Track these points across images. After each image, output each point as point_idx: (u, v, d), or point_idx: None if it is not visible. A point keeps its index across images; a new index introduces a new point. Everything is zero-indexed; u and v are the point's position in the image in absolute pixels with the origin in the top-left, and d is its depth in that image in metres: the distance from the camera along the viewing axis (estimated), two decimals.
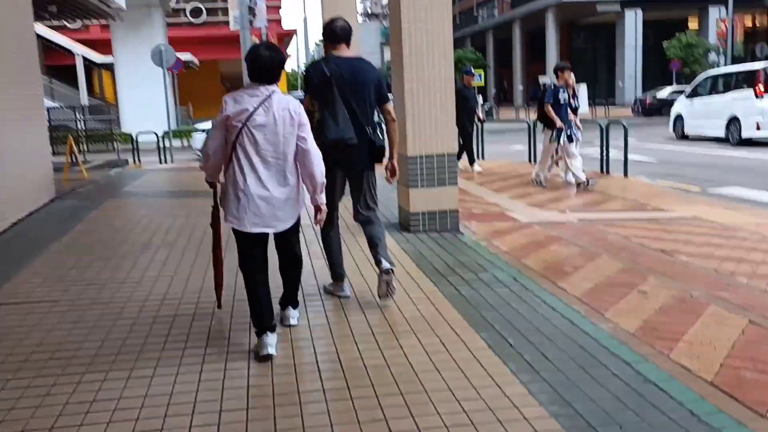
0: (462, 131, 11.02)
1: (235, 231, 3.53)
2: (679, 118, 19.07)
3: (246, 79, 4.17)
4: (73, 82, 32.98)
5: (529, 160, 12.98)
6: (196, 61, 34.64)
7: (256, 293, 3.57)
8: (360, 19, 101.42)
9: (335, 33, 4.33)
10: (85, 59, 33.21)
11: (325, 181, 3.61)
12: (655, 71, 43.10)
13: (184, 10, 41.21)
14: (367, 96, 4.28)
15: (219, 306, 4.22)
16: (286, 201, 3.51)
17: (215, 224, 3.96)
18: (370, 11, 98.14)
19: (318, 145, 3.61)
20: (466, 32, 59.44)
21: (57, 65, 36.69)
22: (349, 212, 4.61)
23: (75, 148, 11.80)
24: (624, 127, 10.74)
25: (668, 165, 12.85)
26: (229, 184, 3.49)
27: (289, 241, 3.74)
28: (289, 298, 3.97)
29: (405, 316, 4.07)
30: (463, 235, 6.23)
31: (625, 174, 10.49)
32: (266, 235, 3.57)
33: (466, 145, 11.67)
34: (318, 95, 4.17)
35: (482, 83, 40.29)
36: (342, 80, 4.16)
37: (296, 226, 3.69)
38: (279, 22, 39.24)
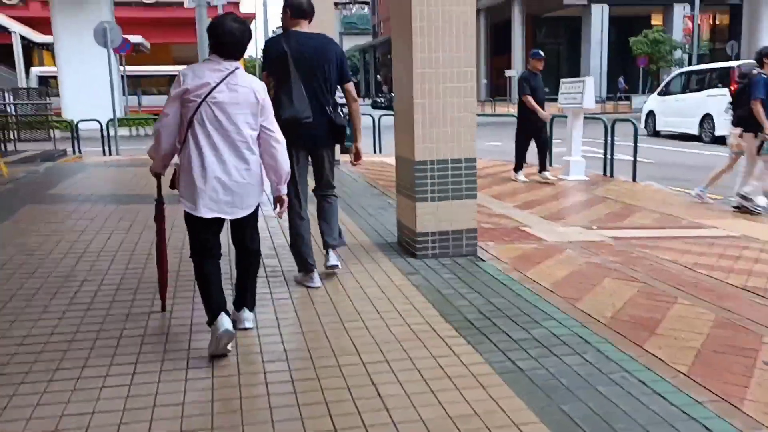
0: (533, 131, 9.28)
1: (187, 216, 3.29)
2: (650, 115, 18.89)
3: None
4: (10, 63, 30.44)
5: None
6: (147, 44, 32.38)
7: (207, 279, 3.33)
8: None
9: (301, 7, 4.20)
10: (22, 38, 30.64)
11: (289, 171, 3.43)
12: (619, 67, 42.67)
13: None
14: (327, 73, 4.17)
15: (163, 308, 3.88)
16: (245, 186, 3.27)
17: (159, 218, 3.70)
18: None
19: None
20: None
21: None
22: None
23: None
24: (634, 125, 9.56)
25: (668, 167, 11.78)
26: (184, 166, 3.22)
27: (246, 230, 3.47)
28: (245, 298, 3.61)
29: (448, 410, 2.69)
30: (484, 262, 4.88)
31: (634, 178, 9.34)
32: (221, 221, 3.35)
33: (540, 149, 9.40)
34: (274, 71, 4.07)
35: None
36: (301, 56, 4.07)
37: (255, 214, 3.44)
38: (237, 4, 37.16)
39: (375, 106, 47.63)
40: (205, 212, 3.22)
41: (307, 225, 4.36)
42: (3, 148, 15.04)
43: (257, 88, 3.27)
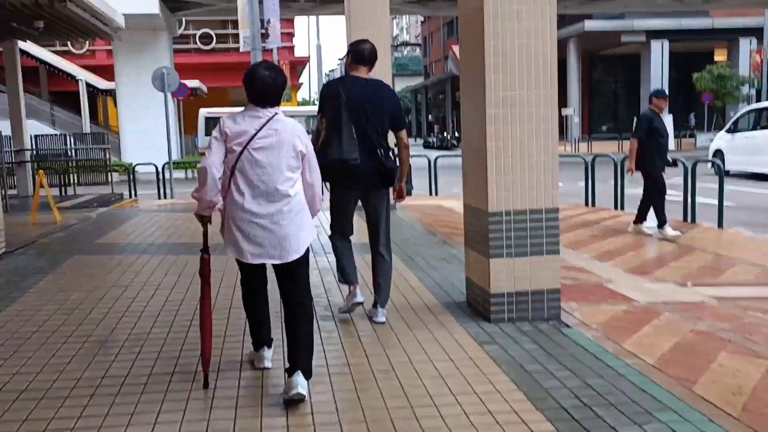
0: (653, 179, 7.96)
1: (237, 261, 3.37)
2: (718, 153, 17.82)
3: None
4: (76, 109, 31.46)
5: (587, 203, 11.03)
6: (204, 87, 33.08)
7: (255, 310, 3.53)
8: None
9: (361, 54, 4.34)
10: (88, 85, 31.68)
11: (320, 209, 3.51)
12: (682, 104, 41.30)
13: (194, 36, 39.83)
14: (381, 119, 4.25)
15: (206, 385, 3.42)
16: (288, 228, 3.24)
17: (204, 272, 3.42)
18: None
19: (320, 164, 3.49)
20: None
21: (60, 91, 35.33)
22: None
23: (46, 185, 9.81)
24: (719, 166, 8.79)
25: (751, 211, 10.85)
26: (229, 213, 3.26)
27: (294, 278, 3.33)
28: (297, 360, 3.25)
29: None
30: (570, 329, 4.24)
31: (720, 224, 8.51)
32: (265, 266, 3.41)
33: (657, 200, 7.95)
34: (327, 113, 4.14)
35: None
36: (355, 101, 4.14)
37: (303, 262, 3.34)
38: (291, 49, 37.78)
39: (426, 146, 47.42)
40: (252, 258, 3.24)
41: (350, 250, 4.58)
42: (63, 192, 15.18)
43: (298, 131, 3.30)
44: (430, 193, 13.98)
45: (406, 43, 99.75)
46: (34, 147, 16.23)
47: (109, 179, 16.16)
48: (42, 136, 15.78)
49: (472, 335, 4.14)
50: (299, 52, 56.89)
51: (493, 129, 4.30)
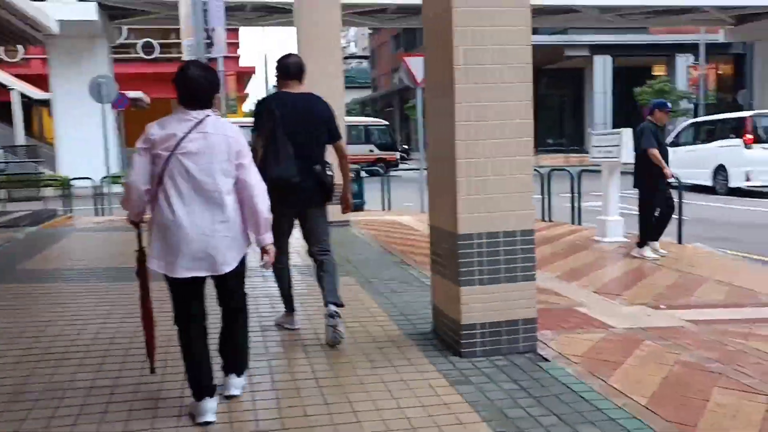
0: (652, 196, 7.40)
1: (165, 278, 3.08)
2: None
3: None
4: (9, 121, 29.90)
5: (543, 218, 10.81)
6: (147, 99, 31.98)
7: (191, 350, 3.15)
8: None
9: (288, 68, 4.33)
10: (22, 95, 30.21)
11: (271, 217, 3.21)
12: (624, 118, 42.19)
13: (135, 45, 38.62)
14: (315, 133, 4.24)
15: (153, 370, 3.51)
16: (223, 239, 3.06)
17: (142, 272, 3.26)
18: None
19: None
20: None
21: None
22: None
23: None
24: (678, 181, 8.65)
25: (703, 224, 10.84)
26: (156, 222, 3.04)
27: (230, 288, 3.29)
28: (232, 362, 3.40)
29: None
30: (549, 363, 3.86)
31: (679, 240, 8.36)
32: (202, 280, 3.13)
33: (652, 219, 7.44)
34: (262, 131, 4.10)
35: None
36: (290, 117, 4.11)
37: (239, 270, 3.21)
38: (237, 59, 36.98)
39: None
40: (182, 272, 3.03)
41: (288, 273, 4.62)
42: None
43: (230, 131, 3.13)
44: (383, 208, 13.60)
45: (353, 56, 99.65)
46: None
47: (42, 195, 15.17)
48: None
49: (443, 373, 3.72)
50: (245, 62, 55.93)
51: (463, 144, 3.90)
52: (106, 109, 16.27)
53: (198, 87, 3.06)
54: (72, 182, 15.16)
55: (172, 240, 2.99)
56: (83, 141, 21.44)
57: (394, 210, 13.48)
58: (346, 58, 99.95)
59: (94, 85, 15.02)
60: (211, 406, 3.12)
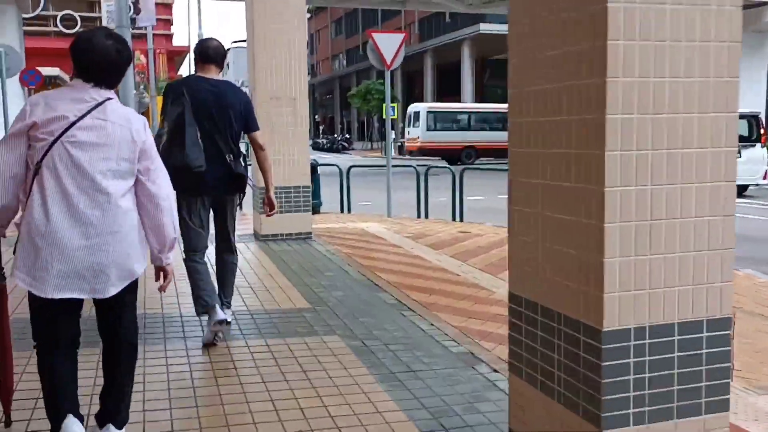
0: None
1: (29, 294, 2.48)
2: None
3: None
4: None
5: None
6: (65, 76, 28.81)
7: (53, 377, 2.52)
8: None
9: (207, 52, 4.20)
10: None
11: (177, 236, 2.66)
12: None
13: (54, 17, 35.05)
14: (229, 121, 4.11)
15: (8, 423, 2.84)
16: (113, 253, 2.47)
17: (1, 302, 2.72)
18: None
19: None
20: (368, 64, 56.33)
21: None
22: None
23: None
24: None
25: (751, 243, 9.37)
26: (25, 225, 2.43)
27: (116, 313, 2.62)
28: (113, 410, 2.64)
29: None
30: None
31: None
32: (79, 303, 2.54)
33: None
34: (169, 115, 3.96)
35: (395, 116, 37.32)
36: (202, 103, 4.01)
37: (129, 293, 2.62)
38: (170, 37, 34.02)
39: (316, 147, 44.97)
40: (53, 291, 2.41)
41: (206, 270, 4.21)
42: None
43: (136, 125, 2.54)
44: (342, 210, 11.65)
45: None
46: None
47: None
48: None
49: None
50: (178, 41, 52.41)
51: (618, 153, 2.02)
52: (10, 85, 13.68)
53: (105, 59, 2.49)
54: None
55: (44, 250, 2.40)
56: None
57: (355, 213, 11.56)
58: None
59: None
60: (77, 426, 2.51)
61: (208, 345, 4.04)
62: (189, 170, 3.82)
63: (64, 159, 2.41)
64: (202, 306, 4.07)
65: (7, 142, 2.43)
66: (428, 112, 31.67)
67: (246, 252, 7.16)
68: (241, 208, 4.78)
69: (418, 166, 12.05)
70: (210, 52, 4.19)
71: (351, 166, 12.07)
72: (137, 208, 2.57)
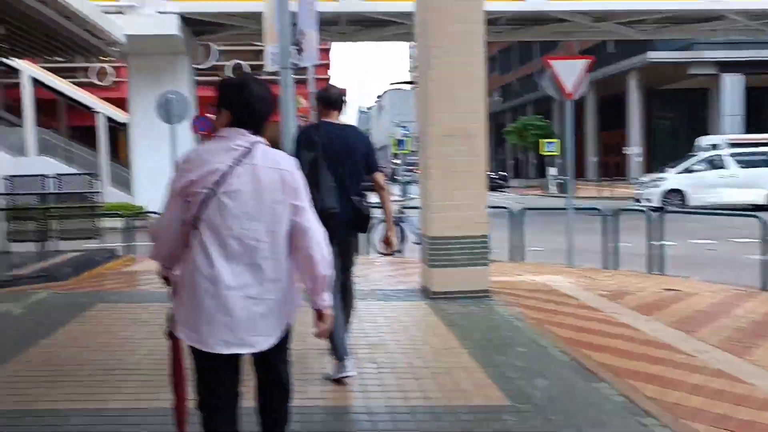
0: None
1: (192, 350, 2.47)
2: None
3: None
4: (96, 146, 28.72)
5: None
6: None
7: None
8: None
9: (330, 99, 4.37)
10: (108, 119, 29.03)
11: (330, 273, 2.60)
12: None
13: (224, 67, 37.23)
14: (355, 164, 4.27)
15: None
16: (274, 303, 2.48)
17: (174, 335, 2.60)
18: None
19: None
20: (527, 99, 54.69)
21: (79, 126, 32.86)
22: None
23: None
24: None
25: None
26: (187, 280, 2.44)
27: (273, 363, 2.63)
28: None
29: None
30: None
31: None
32: (240, 359, 2.54)
33: None
34: (303, 160, 3.87)
35: (557, 152, 35.28)
36: (330, 147, 4.16)
37: (285, 341, 2.61)
38: (326, 81, 34.80)
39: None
40: (219, 346, 2.41)
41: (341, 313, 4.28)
42: (42, 247, 11.87)
43: (286, 166, 2.54)
44: (511, 258, 10.36)
45: None
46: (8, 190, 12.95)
47: (97, 228, 12.75)
48: (17, 177, 12.62)
49: None
50: (337, 84, 54.14)
51: None
52: (180, 131, 13.97)
53: (257, 105, 2.52)
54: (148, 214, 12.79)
55: (205, 302, 2.39)
56: (159, 168, 19.37)
57: (529, 262, 10.22)
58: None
59: (161, 102, 12.71)
60: None
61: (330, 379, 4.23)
62: (324, 213, 3.75)
63: (220, 210, 2.41)
64: (336, 352, 4.23)
65: (175, 198, 2.47)
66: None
67: (415, 313, 6.14)
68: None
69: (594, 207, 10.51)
70: (333, 98, 4.38)
71: (525, 208, 10.76)
72: (291, 247, 2.55)
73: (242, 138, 2.49)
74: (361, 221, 4.32)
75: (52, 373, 4.50)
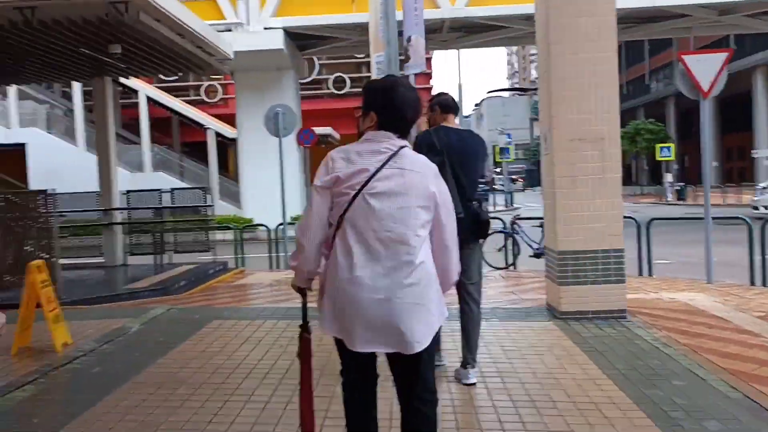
0: None
1: (336, 342, 2.61)
2: None
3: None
4: (207, 161, 29.81)
5: None
6: (336, 135, 30.45)
7: (357, 411, 2.70)
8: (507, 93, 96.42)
9: (447, 103, 4.45)
10: (217, 134, 30.05)
11: (456, 280, 2.68)
12: None
13: (327, 80, 37.75)
14: (475, 170, 4.27)
15: None
16: (414, 307, 2.44)
17: (305, 354, 2.76)
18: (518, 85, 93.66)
19: None
20: (637, 102, 52.07)
21: (191, 142, 34.28)
22: None
23: (42, 291, 5.32)
24: None
25: None
26: (331, 277, 2.50)
27: (418, 369, 2.54)
28: None
29: None
30: None
31: None
32: (375, 357, 2.60)
33: None
34: None
35: (672, 157, 33.20)
36: (451, 151, 4.17)
37: (429, 353, 2.55)
38: (429, 90, 34.46)
39: None
40: (360, 345, 2.48)
41: (470, 317, 4.40)
42: (158, 261, 12.18)
43: (431, 172, 2.56)
44: (641, 273, 9.51)
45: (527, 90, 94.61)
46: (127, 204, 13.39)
47: (209, 242, 12.90)
48: (133, 192, 13.03)
49: None
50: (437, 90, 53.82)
51: None
52: (286, 144, 14.01)
53: (405, 109, 2.55)
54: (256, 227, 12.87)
55: (350, 303, 2.45)
56: (266, 180, 19.68)
57: (658, 276, 9.34)
58: (535, 89, 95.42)
59: (270, 115, 12.74)
60: None
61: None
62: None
63: (365, 211, 2.44)
64: (464, 361, 4.34)
65: (319, 193, 2.50)
66: None
67: (544, 336, 5.57)
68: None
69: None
70: (451, 103, 4.46)
71: (652, 219, 9.88)
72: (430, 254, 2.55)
73: (389, 141, 2.50)
74: (480, 227, 4.30)
75: (166, 400, 4.30)
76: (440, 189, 2.56)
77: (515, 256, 11.15)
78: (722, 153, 42.43)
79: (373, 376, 2.71)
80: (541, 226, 10.84)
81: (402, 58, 12.03)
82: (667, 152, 31.97)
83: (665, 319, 6.14)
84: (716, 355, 4.91)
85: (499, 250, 11.38)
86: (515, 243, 11.23)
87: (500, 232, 11.38)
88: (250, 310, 7.25)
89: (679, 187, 33.83)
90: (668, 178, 35.26)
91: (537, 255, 10.93)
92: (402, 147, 2.52)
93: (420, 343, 2.47)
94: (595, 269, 6.09)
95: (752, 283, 8.43)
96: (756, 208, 20.92)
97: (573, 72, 6.10)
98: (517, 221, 11.33)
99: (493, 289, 8.37)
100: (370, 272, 2.43)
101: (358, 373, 2.67)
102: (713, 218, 9.19)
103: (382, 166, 2.45)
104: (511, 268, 10.98)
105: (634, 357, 4.86)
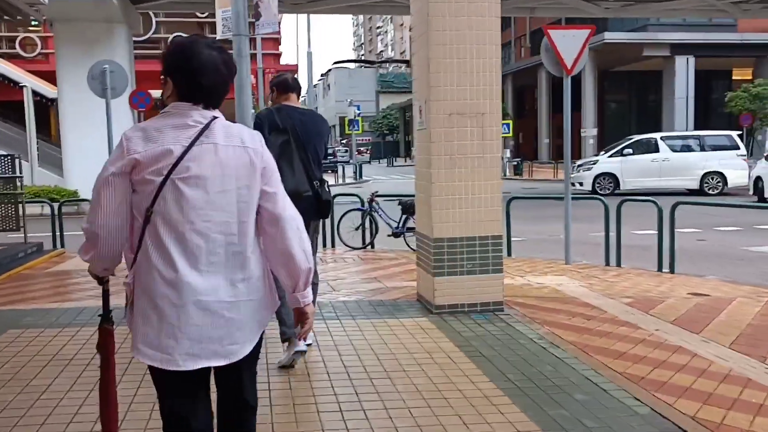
0: None
1: (153, 371, 2.13)
2: (758, 180, 17.52)
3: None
4: (24, 123, 26.30)
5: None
6: None
7: None
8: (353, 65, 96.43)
9: (286, 83, 4.40)
10: (35, 93, 26.59)
11: (311, 266, 2.21)
12: (706, 127, 37.37)
13: (165, 40, 34.92)
14: (316, 149, 4.28)
15: None
16: (247, 304, 2.14)
17: (105, 344, 2.31)
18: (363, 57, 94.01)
19: None
20: None
21: (4, 101, 30.18)
22: None
23: None
24: None
25: None
26: (141, 286, 2.07)
27: (240, 377, 2.24)
28: None
29: None
30: None
31: None
32: (208, 371, 2.18)
33: None
34: (273, 144, 3.98)
35: (510, 134, 34.61)
36: (295, 130, 4.18)
37: (256, 351, 2.23)
38: (278, 57, 32.95)
39: None
40: (186, 362, 2.06)
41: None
42: None
43: (251, 143, 2.15)
44: (509, 253, 9.23)
45: (391, 61, 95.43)
46: None
47: (19, 219, 10.94)
48: None
49: None
50: (286, 59, 52.00)
51: None
52: (116, 106, 12.33)
53: (214, 75, 2.08)
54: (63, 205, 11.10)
55: (169, 313, 2.03)
56: (93, 147, 17.49)
57: (518, 257, 9.13)
58: (382, 62, 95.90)
59: (95, 73, 11.05)
60: None
61: (286, 367, 4.13)
62: (298, 195, 3.75)
63: (177, 200, 2.03)
64: (284, 335, 4.20)
65: (111, 183, 2.03)
66: None
67: (421, 337, 4.92)
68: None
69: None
70: (290, 82, 4.40)
71: (512, 198, 9.63)
72: (262, 240, 2.19)
73: (196, 113, 2.09)
74: (321, 207, 4.29)
75: None
76: (267, 162, 2.17)
77: (373, 235, 10.52)
78: (553, 130, 45.09)
79: (205, 413, 2.22)
80: (400, 204, 10.33)
81: (252, 18, 10.79)
82: (506, 129, 33.15)
83: (541, 310, 5.74)
84: (607, 355, 4.51)
85: (357, 228, 10.69)
86: (373, 221, 10.60)
87: (357, 209, 10.70)
88: (63, 312, 5.90)
89: (516, 163, 35.33)
90: (506, 153, 36.71)
91: (395, 234, 10.39)
92: (214, 118, 2.12)
93: (250, 343, 2.17)
94: (473, 258, 5.54)
95: (607, 263, 8.42)
96: (573, 184, 22.05)
97: (456, 39, 5.42)
98: (375, 198, 10.68)
99: (354, 275, 7.65)
100: (194, 273, 2.04)
101: (183, 400, 2.16)
102: (550, 196, 9.02)
103: (191, 144, 2.04)
104: (369, 248, 10.36)
105: (524, 363, 4.33)
